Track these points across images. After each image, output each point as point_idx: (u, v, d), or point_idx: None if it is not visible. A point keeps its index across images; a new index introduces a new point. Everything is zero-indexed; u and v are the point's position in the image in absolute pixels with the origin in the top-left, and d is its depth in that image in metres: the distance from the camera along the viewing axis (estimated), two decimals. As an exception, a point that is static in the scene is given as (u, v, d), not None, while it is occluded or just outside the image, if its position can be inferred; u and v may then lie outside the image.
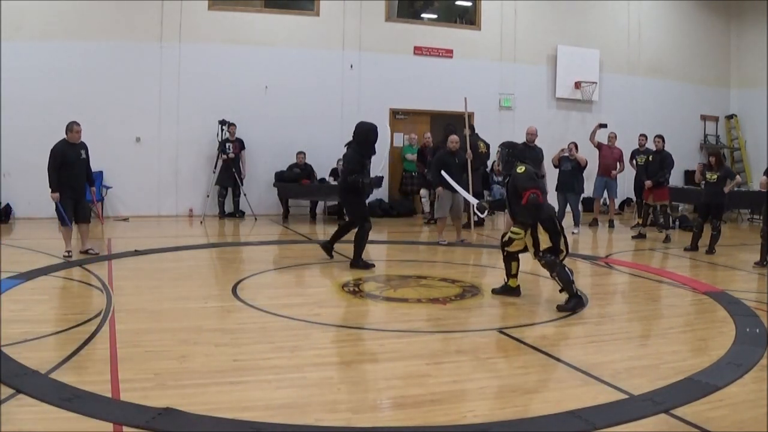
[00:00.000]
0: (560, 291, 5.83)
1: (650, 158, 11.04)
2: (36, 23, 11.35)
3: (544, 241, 5.80)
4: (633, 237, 10.89)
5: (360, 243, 7.64)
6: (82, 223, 8.13)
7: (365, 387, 3.93)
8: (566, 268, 5.78)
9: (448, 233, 9.93)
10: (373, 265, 7.63)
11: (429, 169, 12.35)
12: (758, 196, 8.88)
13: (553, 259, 5.78)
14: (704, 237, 9.47)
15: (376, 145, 7.71)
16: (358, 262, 7.62)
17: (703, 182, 9.72)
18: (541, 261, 5.86)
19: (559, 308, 5.72)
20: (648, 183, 10.74)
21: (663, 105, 15.39)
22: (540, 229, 5.80)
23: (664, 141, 10.90)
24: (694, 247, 9.35)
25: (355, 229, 7.73)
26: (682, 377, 4.06)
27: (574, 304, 5.71)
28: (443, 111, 13.94)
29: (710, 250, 9.15)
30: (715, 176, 9.24)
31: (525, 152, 6.21)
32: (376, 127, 7.73)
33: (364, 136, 7.62)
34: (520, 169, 5.91)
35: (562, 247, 5.84)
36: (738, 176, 8.59)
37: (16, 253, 8.05)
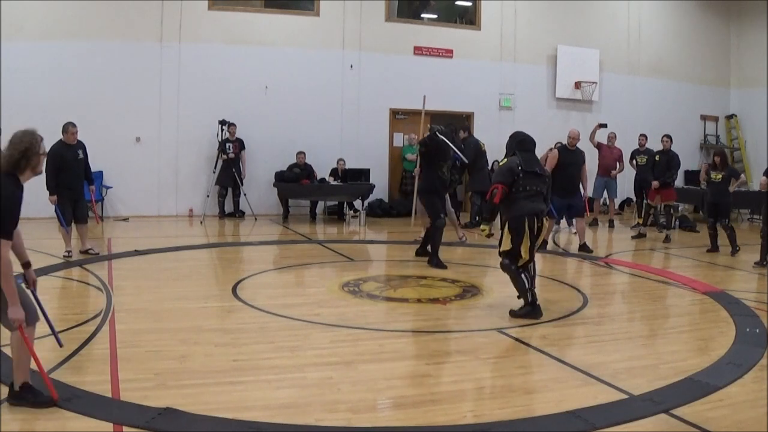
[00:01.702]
0: (518, 297, 5.59)
1: (657, 158, 10.98)
2: (36, 24, 11.35)
3: (505, 243, 5.54)
4: (633, 237, 10.88)
5: (434, 240, 7.80)
6: (81, 223, 8.13)
7: (365, 387, 3.93)
8: (523, 275, 5.50)
9: (449, 233, 9.96)
10: (446, 267, 7.67)
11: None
12: (758, 196, 8.86)
13: (507, 264, 5.54)
14: (704, 238, 9.46)
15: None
16: (432, 261, 7.74)
17: (707, 182, 9.65)
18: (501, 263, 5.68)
19: (511, 313, 5.53)
20: (655, 183, 10.71)
21: (663, 105, 15.39)
22: (506, 228, 5.55)
23: (671, 140, 10.90)
24: (715, 248, 9.28)
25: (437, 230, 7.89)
26: (682, 377, 4.07)
27: (525, 312, 5.47)
28: (443, 111, 13.94)
29: (733, 251, 9.04)
30: (720, 176, 9.16)
31: (526, 143, 5.73)
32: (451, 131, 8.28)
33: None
34: (503, 161, 5.76)
35: (524, 252, 5.47)
36: (743, 175, 8.53)
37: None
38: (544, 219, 5.57)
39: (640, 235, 10.76)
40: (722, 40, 16.40)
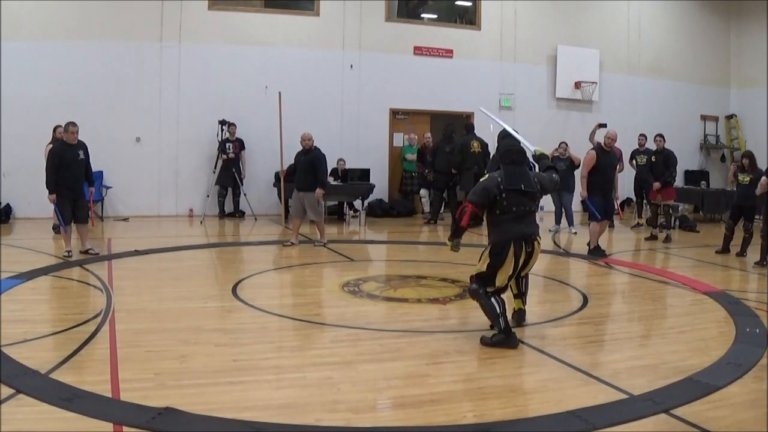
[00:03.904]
0: (490, 326, 4.92)
1: (653, 158, 10.97)
2: (36, 23, 11.35)
3: (480, 265, 4.90)
4: (646, 239, 10.75)
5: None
6: (81, 223, 8.13)
7: (365, 387, 3.93)
8: (493, 300, 4.80)
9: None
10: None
11: (429, 169, 12.43)
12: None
13: (475, 289, 4.86)
14: (709, 237, 9.44)
15: None
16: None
17: (735, 184, 9.53)
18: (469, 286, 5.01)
19: (482, 341, 4.81)
20: (656, 185, 10.69)
21: (663, 105, 15.39)
22: (487, 251, 4.92)
23: (664, 139, 10.88)
24: (725, 249, 9.19)
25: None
26: (682, 377, 4.07)
27: (498, 340, 4.74)
28: (443, 111, 13.97)
29: (742, 253, 8.95)
30: (748, 178, 9.00)
31: (510, 155, 5.00)
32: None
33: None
34: (485, 177, 5.10)
35: (500, 280, 4.83)
36: (764, 177, 8.38)
37: (16, 253, 8.06)
38: (535, 243, 4.89)
39: (653, 237, 10.67)
40: (722, 40, 16.39)
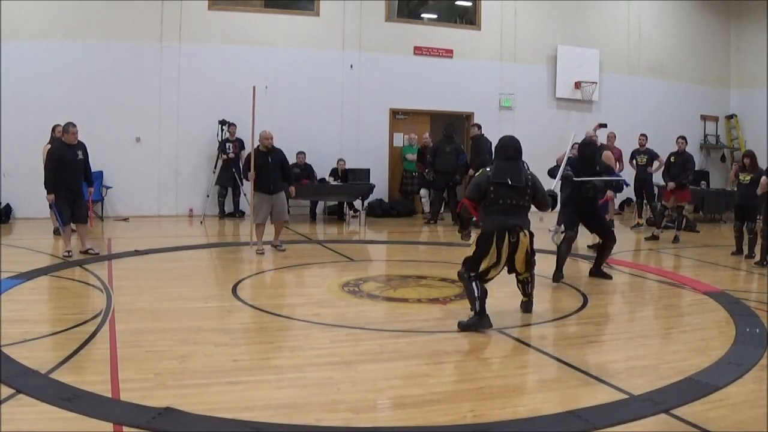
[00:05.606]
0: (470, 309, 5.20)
1: (672, 159, 10.93)
2: (36, 23, 11.35)
3: (469, 250, 5.33)
4: (646, 239, 10.77)
5: (601, 254, 7.44)
6: (81, 223, 8.14)
7: (365, 387, 3.93)
8: (473, 284, 5.15)
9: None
10: (611, 277, 7.30)
11: (429, 169, 12.42)
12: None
13: (461, 272, 5.27)
14: (709, 237, 9.43)
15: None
16: (597, 271, 7.38)
17: (737, 184, 9.49)
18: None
19: (459, 325, 5.13)
20: (671, 184, 10.70)
21: (663, 105, 15.39)
22: (475, 238, 5.33)
23: (686, 142, 10.91)
24: (739, 250, 9.11)
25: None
26: (682, 377, 4.07)
27: (471, 321, 5.09)
28: (443, 111, 13.97)
29: (750, 254, 8.86)
30: (749, 177, 8.91)
31: (505, 150, 5.37)
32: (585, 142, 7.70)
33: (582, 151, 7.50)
34: (479, 173, 5.45)
35: (484, 265, 5.20)
36: (764, 177, 8.33)
37: (16, 253, 8.06)
38: (521, 234, 5.21)
39: (654, 237, 10.68)
40: (722, 40, 16.40)
